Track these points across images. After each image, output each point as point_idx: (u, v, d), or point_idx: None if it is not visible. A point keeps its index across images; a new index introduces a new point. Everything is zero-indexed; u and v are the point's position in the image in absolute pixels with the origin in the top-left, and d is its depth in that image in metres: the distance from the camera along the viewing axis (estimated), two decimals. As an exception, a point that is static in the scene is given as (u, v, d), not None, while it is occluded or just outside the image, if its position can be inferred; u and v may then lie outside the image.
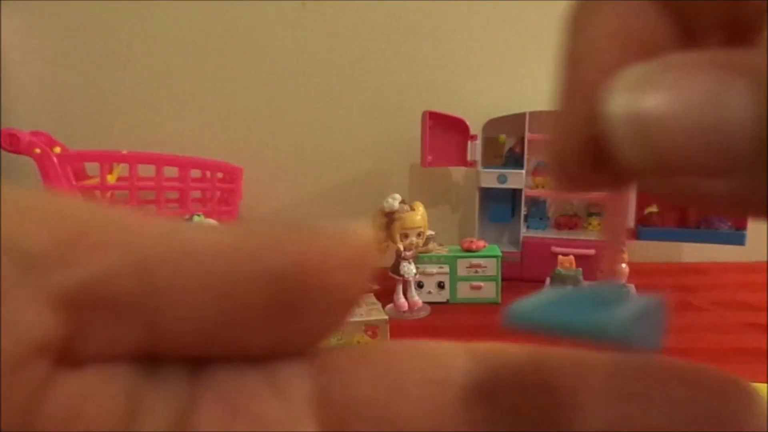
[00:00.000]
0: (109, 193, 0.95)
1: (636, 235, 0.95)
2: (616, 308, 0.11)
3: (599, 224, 1.03)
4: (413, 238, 0.84)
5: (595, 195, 0.13)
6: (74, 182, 0.91)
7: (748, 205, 0.11)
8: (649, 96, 0.10)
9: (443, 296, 0.90)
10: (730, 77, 0.10)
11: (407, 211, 0.84)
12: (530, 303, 0.12)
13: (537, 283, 0.85)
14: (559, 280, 0.78)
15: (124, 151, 0.95)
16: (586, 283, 0.14)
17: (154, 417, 0.11)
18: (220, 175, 1.00)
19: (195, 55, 1.06)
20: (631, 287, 0.13)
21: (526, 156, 0.97)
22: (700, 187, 0.11)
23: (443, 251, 0.90)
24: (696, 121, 0.10)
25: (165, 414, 0.11)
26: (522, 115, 0.96)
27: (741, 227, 0.92)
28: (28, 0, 1.04)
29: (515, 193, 1.00)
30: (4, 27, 1.03)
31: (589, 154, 0.12)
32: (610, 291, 0.12)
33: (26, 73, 1.06)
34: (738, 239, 0.92)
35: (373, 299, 0.72)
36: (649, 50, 0.11)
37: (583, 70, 0.12)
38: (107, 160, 0.94)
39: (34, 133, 0.91)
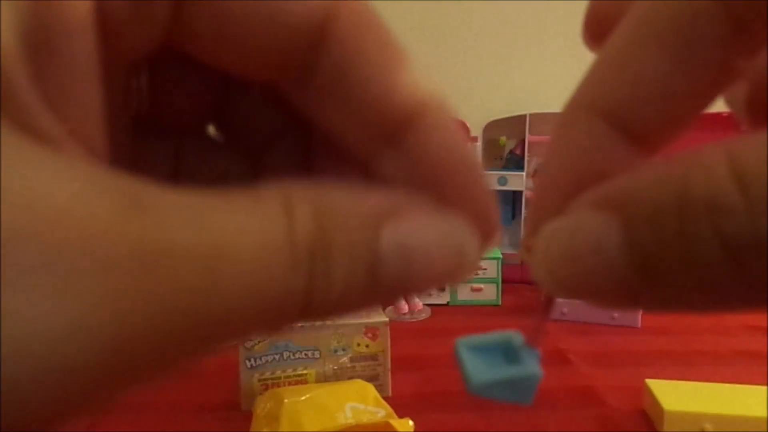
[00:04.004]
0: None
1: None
2: (495, 370, 0.16)
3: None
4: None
5: None
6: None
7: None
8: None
9: (443, 298, 0.90)
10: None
11: (407, 212, 0.84)
12: (477, 343, 0.17)
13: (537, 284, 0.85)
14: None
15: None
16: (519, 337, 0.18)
17: None
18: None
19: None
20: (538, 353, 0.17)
21: (526, 158, 0.97)
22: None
23: (443, 253, 0.90)
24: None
25: None
26: (522, 117, 0.96)
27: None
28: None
29: (516, 196, 1.00)
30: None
31: None
32: (519, 353, 0.16)
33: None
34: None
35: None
36: (600, 175, 0.13)
37: (548, 193, 0.15)
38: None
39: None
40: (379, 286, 0.12)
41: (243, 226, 0.11)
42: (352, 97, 0.14)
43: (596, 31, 0.16)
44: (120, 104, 0.14)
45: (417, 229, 0.13)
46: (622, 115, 0.13)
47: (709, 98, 0.13)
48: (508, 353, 0.16)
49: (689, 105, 0.13)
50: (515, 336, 0.17)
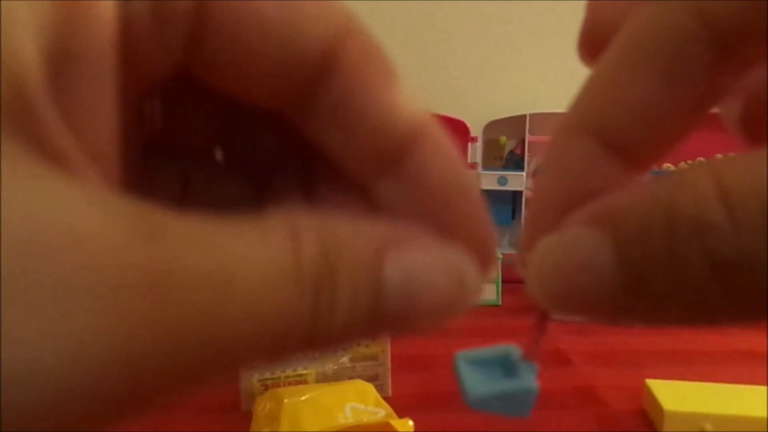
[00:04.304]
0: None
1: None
2: (493, 384, 0.16)
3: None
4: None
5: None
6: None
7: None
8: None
9: (443, 298, 0.89)
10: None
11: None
12: (478, 357, 0.17)
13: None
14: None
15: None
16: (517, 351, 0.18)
17: None
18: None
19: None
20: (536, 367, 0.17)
21: (526, 158, 0.97)
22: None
23: (443, 253, 0.90)
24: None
25: None
26: (522, 117, 0.96)
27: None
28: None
29: (516, 195, 1.00)
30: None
31: None
32: (517, 367, 0.17)
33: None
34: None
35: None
36: (592, 192, 0.14)
37: (541, 211, 0.15)
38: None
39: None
40: (382, 316, 0.12)
41: (252, 254, 0.11)
42: (353, 124, 0.14)
43: (592, 46, 0.16)
44: (133, 128, 0.14)
45: (419, 259, 0.13)
46: (613, 134, 0.13)
47: (699, 117, 0.13)
48: (506, 367, 0.17)
49: (679, 124, 0.13)
50: (513, 349, 0.17)
